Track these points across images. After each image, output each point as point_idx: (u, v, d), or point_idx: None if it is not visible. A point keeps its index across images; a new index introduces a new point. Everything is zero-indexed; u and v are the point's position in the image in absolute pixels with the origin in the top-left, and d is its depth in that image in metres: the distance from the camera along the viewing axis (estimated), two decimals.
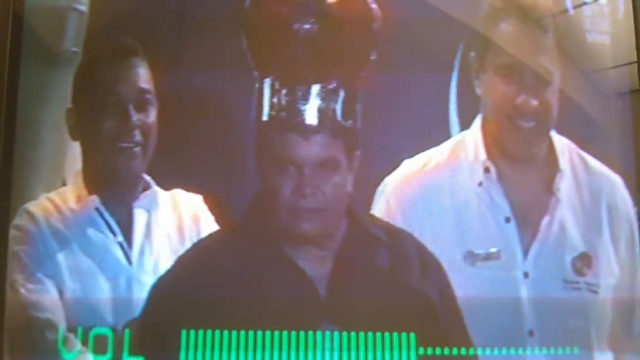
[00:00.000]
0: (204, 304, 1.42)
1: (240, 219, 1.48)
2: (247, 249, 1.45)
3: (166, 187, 1.52)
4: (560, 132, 1.57)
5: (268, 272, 1.44)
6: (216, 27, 1.52)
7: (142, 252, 1.49)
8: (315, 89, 1.43)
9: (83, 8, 1.58)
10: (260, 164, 1.44)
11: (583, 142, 1.57)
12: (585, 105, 1.58)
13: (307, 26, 1.45)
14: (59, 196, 1.51)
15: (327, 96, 1.43)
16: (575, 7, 1.62)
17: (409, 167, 1.54)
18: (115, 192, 1.51)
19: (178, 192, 1.53)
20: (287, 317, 1.42)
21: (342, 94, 1.44)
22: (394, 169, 1.53)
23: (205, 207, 1.51)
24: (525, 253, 1.52)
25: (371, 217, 1.51)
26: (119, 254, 1.48)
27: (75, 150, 1.53)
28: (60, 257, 1.46)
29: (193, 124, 1.53)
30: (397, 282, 1.45)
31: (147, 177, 1.52)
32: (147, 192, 1.52)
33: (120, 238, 1.49)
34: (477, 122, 1.57)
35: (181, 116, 1.53)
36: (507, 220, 1.53)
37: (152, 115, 1.51)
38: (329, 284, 1.43)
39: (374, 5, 1.47)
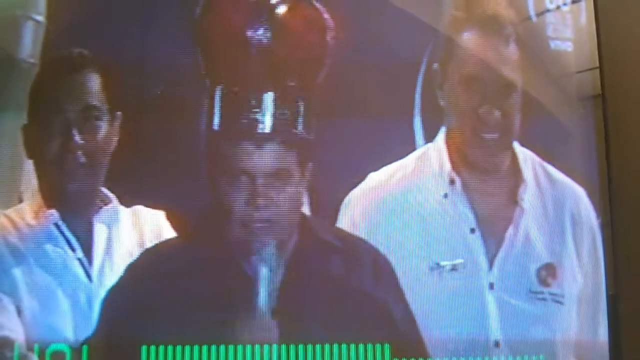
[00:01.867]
0: (159, 318, 1.40)
1: (191, 229, 1.46)
2: (199, 260, 1.43)
3: (128, 203, 1.49)
4: (523, 144, 1.58)
5: (220, 284, 1.42)
6: (175, 36, 1.50)
7: (102, 269, 1.46)
8: (268, 97, 1.42)
9: (40, 18, 1.54)
10: (211, 174, 1.43)
11: (546, 153, 1.58)
12: (547, 116, 1.60)
13: (259, 34, 1.44)
14: (17, 213, 1.48)
15: (280, 105, 1.42)
16: (538, 14, 1.64)
17: (374, 179, 1.53)
18: (73, 207, 1.48)
19: (140, 209, 1.50)
20: (237, 331, 1.40)
21: (295, 103, 1.43)
22: (360, 182, 1.52)
23: (167, 223, 1.48)
24: (491, 264, 1.53)
25: (324, 225, 1.49)
26: (79, 270, 1.45)
27: (30, 167, 1.49)
28: (18, 273, 1.43)
29: (155, 137, 1.50)
30: (351, 288, 1.45)
31: (107, 192, 1.49)
32: (107, 207, 1.49)
33: (79, 254, 1.46)
34: (442, 134, 1.57)
35: (143, 129, 1.50)
36: (472, 231, 1.53)
37: (101, 132, 1.48)
38: (282, 294, 1.41)
39: (326, 15, 1.47)
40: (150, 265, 1.44)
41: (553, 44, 1.64)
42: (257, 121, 1.41)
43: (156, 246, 1.46)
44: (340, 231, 1.49)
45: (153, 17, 1.54)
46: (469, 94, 1.54)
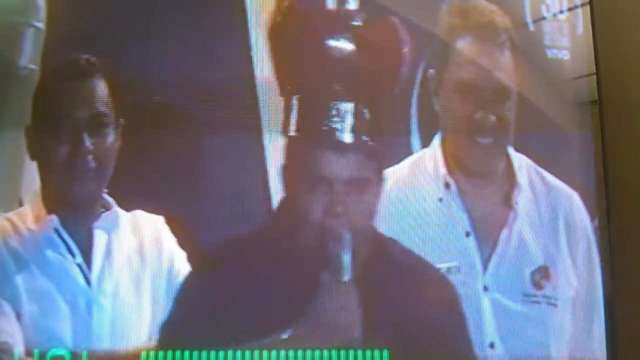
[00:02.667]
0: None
1: (265, 229, 1.46)
2: (269, 263, 1.44)
3: (128, 207, 1.50)
4: (518, 149, 1.59)
5: (288, 287, 1.43)
6: (182, 40, 1.51)
7: (101, 274, 1.47)
8: (347, 106, 1.43)
9: (40, 25, 1.56)
10: (286, 179, 1.44)
11: (541, 159, 1.59)
12: (543, 121, 1.61)
13: (339, 44, 1.46)
14: (18, 216, 1.49)
15: (359, 115, 1.44)
16: (534, 22, 1.65)
17: None
18: (73, 212, 1.49)
19: (139, 214, 1.50)
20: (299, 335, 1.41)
21: (372, 113, 1.45)
22: None
23: (167, 228, 1.49)
24: (485, 267, 1.54)
25: (393, 241, 1.50)
26: (78, 275, 1.46)
27: (31, 170, 1.50)
28: (18, 278, 1.44)
29: (157, 142, 1.51)
30: (416, 309, 1.46)
31: (107, 197, 1.50)
32: (107, 213, 1.50)
33: (79, 259, 1.47)
34: (437, 139, 1.58)
35: (145, 134, 1.51)
36: (467, 234, 1.55)
37: (109, 138, 1.49)
38: (351, 304, 1.42)
39: (399, 26, 1.50)
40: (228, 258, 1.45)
41: (550, 53, 1.66)
42: (337, 130, 1.43)
43: (234, 239, 1.46)
44: (408, 251, 1.50)
45: (155, 23, 1.55)
46: (464, 100, 1.56)
